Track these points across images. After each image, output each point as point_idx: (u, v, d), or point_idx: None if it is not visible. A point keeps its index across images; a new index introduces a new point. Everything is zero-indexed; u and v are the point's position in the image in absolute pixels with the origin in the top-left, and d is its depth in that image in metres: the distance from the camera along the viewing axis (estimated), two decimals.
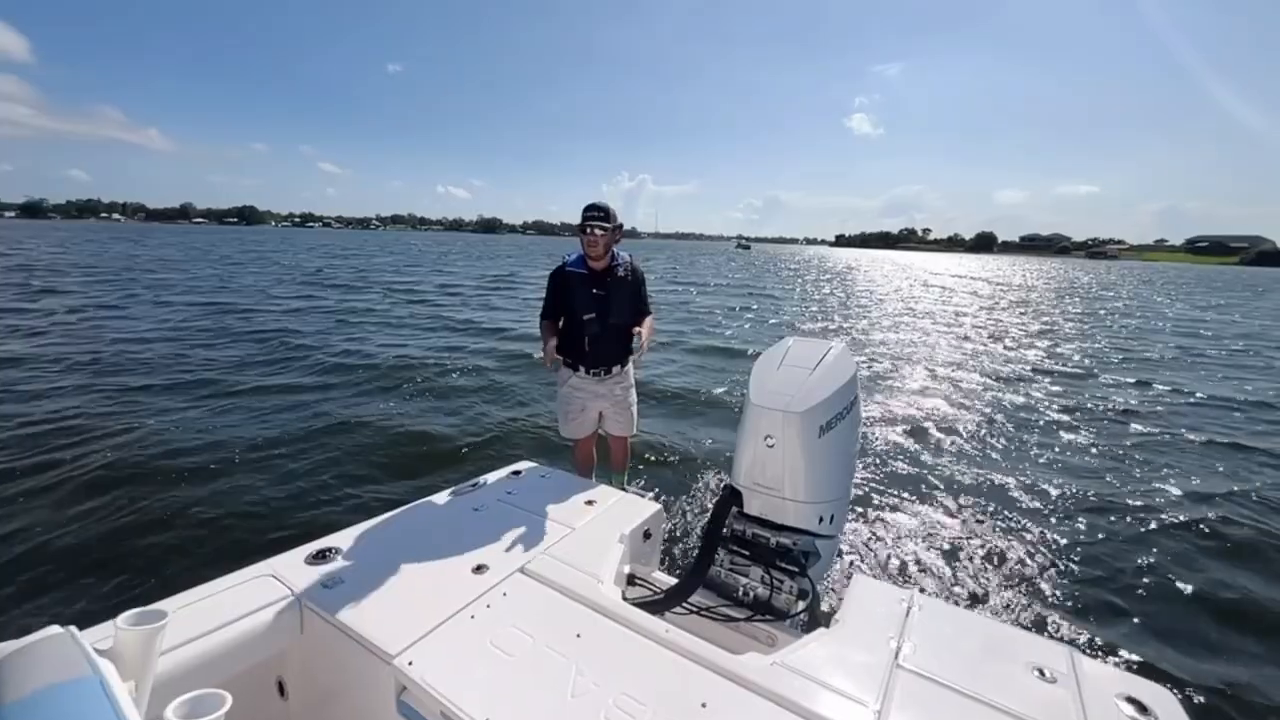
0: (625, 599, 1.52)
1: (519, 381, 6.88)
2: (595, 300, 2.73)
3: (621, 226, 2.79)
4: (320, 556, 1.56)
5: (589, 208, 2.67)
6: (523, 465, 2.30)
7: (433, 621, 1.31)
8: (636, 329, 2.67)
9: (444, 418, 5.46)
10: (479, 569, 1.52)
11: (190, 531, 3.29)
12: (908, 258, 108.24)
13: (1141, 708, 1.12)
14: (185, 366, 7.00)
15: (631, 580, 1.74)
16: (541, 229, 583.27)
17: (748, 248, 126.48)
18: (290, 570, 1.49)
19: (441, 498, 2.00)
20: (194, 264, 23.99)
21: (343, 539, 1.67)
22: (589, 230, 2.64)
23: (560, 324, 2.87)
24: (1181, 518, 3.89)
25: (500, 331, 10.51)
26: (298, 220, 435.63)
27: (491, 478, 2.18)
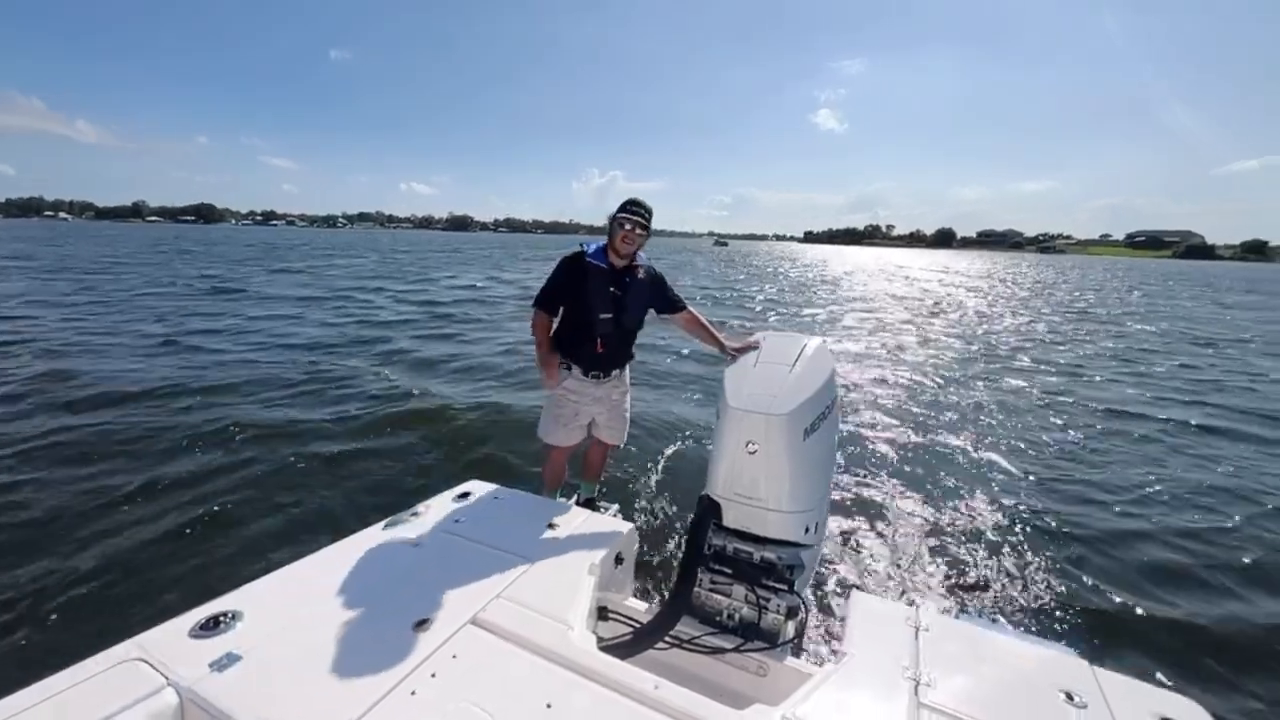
0: (598, 639, 1.35)
1: (460, 380, 6.10)
2: (613, 300, 2.50)
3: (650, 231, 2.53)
4: (210, 626, 1.20)
5: (632, 202, 2.45)
6: (471, 485, 2.02)
7: (363, 704, 1.03)
8: (729, 348, 2.26)
9: (370, 429, 4.65)
10: (421, 624, 1.25)
11: (20, 605, 2.49)
12: (877, 253, 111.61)
13: None
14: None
15: (604, 614, 1.59)
16: (513, 226, 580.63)
17: (725, 244, 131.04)
18: (167, 648, 1.13)
19: (372, 534, 1.66)
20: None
21: (241, 599, 1.30)
22: (629, 226, 2.41)
23: (559, 317, 2.58)
24: (1182, 506, 3.93)
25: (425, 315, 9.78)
26: (259, 218, 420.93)
27: (434, 503, 1.87)
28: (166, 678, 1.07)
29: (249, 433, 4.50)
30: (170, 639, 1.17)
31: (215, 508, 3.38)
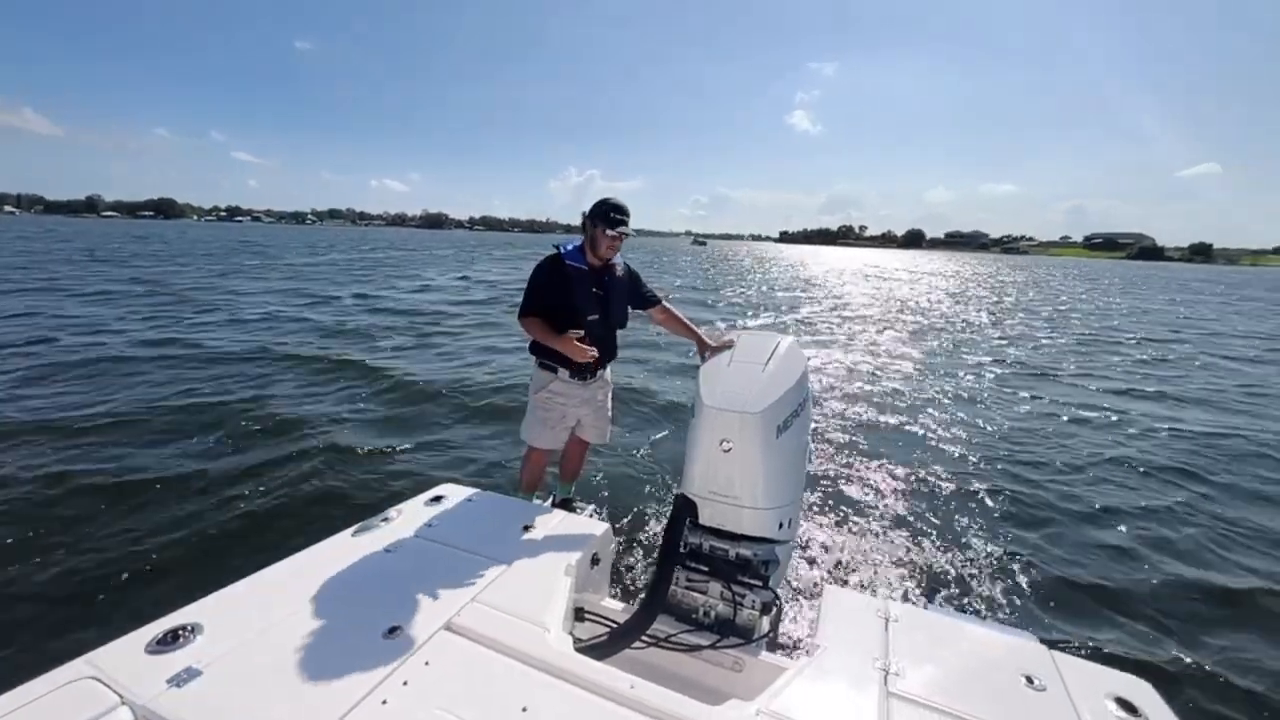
0: (575, 640, 1.36)
1: (434, 384, 6.08)
2: (597, 300, 2.51)
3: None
4: (168, 640, 1.14)
5: (614, 206, 2.41)
6: (444, 489, 1.97)
7: (331, 716, 1.00)
8: (704, 341, 2.38)
9: (335, 437, 4.49)
10: (392, 632, 1.22)
11: None
12: (852, 254, 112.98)
13: (1130, 707, 1.15)
14: None
15: (580, 615, 1.58)
16: (490, 224, 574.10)
17: (703, 244, 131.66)
18: (122, 665, 1.07)
19: (341, 540, 1.61)
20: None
21: (201, 612, 1.24)
22: (614, 231, 2.40)
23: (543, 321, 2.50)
24: (1138, 499, 4.12)
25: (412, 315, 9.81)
26: (223, 214, 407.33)
27: (406, 508, 1.82)
28: (121, 696, 1.01)
29: (204, 453, 4.27)
30: (125, 655, 1.11)
31: (177, 521, 3.29)
